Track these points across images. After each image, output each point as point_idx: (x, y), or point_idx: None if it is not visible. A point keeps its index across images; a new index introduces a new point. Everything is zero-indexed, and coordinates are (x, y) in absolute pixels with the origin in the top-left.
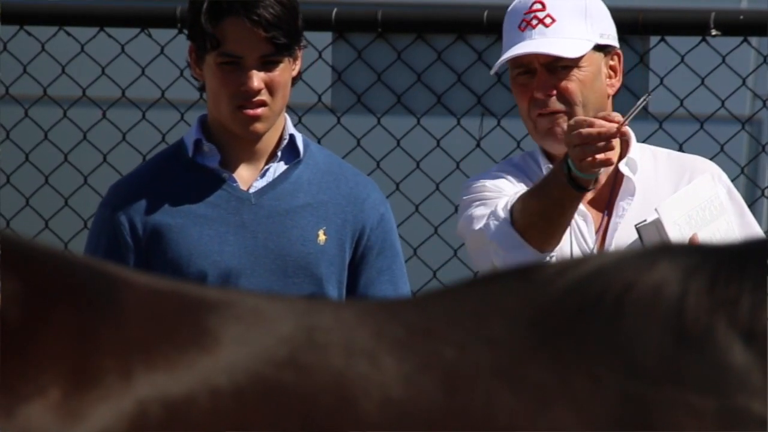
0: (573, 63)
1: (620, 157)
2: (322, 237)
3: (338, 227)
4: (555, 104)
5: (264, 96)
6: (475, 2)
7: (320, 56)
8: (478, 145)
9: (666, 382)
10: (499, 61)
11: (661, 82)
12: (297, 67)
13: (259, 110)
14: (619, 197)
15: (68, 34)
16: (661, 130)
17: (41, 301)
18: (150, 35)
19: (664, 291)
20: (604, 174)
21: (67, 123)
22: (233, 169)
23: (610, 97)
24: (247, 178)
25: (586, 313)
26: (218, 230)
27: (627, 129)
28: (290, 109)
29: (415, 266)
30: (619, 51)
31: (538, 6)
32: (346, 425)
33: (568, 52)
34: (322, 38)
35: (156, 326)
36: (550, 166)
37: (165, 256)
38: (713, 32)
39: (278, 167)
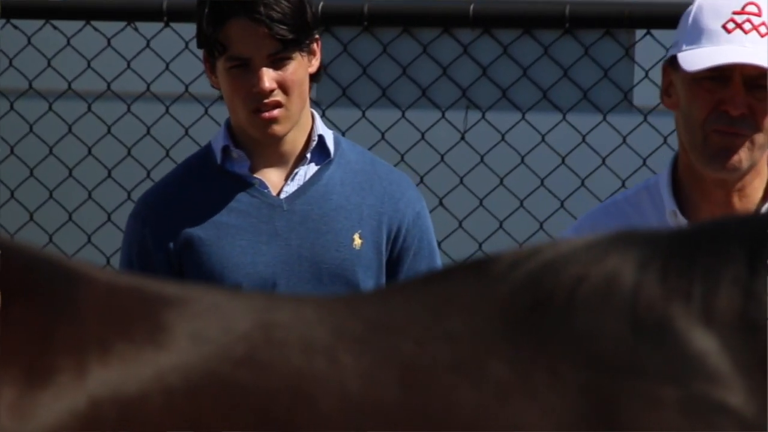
0: None
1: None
2: (357, 241)
3: (374, 229)
4: (744, 126)
5: (278, 96)
6: None
7: None
8: (462, 138)
9: (625, 373)
10: (715, 63)
11: (647, 75)
12: (316, 62)
13: (275, 112)
14: None
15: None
16: (646, 123)
17: None
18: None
19: (617, 282)
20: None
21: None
22: (263, 174)
23: None
24: (277, 182)
25: (542, 307)
26: (250, 240)
27: None
28: None
29: None
30: None
31: (753, 9)
32: (303, 423)
33: None
34: None
35: (112, 323)
36: (675, 209)
37: (199, 269)
38: None
39: (309, 169)
